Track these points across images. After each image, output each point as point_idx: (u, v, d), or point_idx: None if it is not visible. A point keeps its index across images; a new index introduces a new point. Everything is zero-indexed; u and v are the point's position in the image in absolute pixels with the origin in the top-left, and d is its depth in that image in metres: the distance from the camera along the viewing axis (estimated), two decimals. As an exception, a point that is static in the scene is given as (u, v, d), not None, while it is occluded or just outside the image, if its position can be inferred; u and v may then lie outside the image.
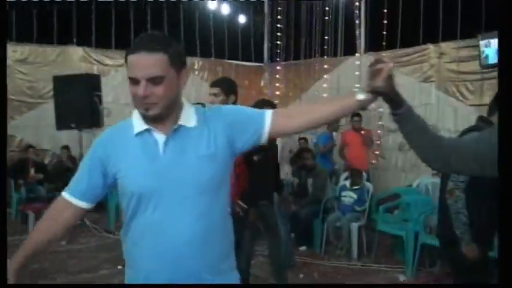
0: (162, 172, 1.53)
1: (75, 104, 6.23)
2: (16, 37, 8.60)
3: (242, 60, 10.67)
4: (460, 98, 7.59)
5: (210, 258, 1.59)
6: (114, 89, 8.93)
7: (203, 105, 1.70)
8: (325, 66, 9.62)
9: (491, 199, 1.72)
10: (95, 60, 9.13)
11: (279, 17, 10.14)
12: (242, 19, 10.62)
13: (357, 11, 9.09)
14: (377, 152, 8.40)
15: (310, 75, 9.88)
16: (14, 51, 8.57)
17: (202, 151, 1.56)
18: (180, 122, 1.57)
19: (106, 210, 7.06)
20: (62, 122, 6.43)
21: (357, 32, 9.19)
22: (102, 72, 8.54)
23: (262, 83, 10.98)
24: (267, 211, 4.00)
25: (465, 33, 7.56)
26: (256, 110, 1.69)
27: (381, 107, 6.91)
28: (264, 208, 3.94)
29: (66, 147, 8.12)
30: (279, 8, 10.19)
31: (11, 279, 1.57)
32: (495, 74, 7.13)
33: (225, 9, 10.21)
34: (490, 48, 7.02)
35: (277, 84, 10.47)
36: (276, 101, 7.42)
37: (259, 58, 10.96)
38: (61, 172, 7.63)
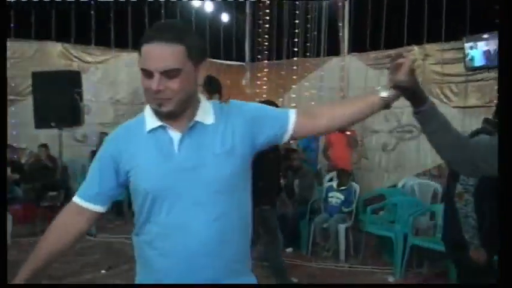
0: (178, 171, 1.44)
1: (55, 101, 6.03)
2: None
3: (224, 59, 10.55)
4: (444, 100, 7.63)
5: (225, 258, 1.49)
6: (94, 86, 8.74)
7: (225, 101, 1.60)
8: (308, 65, 9.56)
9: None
10: (74, 57, 8.90)
11: (262, 17, 10.05)
12: (225, 18, 10.52)
13: (341, 11, 9.09)
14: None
15: (292, 75, 9.82)
16: (-10, 46, 8.29)
17: (219, 148, 1.46)
18: (196, 119, 1.47)
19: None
20: (41, 120, 6.23)
21: (340, 33, 9.19)
22: (82, 69, 8.33)
23: (243, 82, 10.90)
24: (269, 215, 3.93)
25: (450, 35, 7.61)
26: (279, 108, 1.61)
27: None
28: (266, 213, 3.88)
29: (44, 146, 7.82)
30: (262, 8, 10.09)
31: None
32: (480, 76, 7.22)
33: (208, 8, 10.09)
34: (476, 50, 7.08)
35: (258, 83, 10.39)
36: (257, 100, 7.34)
37: (241, 57, 10.86)
38: (39, 172, 7.40)
